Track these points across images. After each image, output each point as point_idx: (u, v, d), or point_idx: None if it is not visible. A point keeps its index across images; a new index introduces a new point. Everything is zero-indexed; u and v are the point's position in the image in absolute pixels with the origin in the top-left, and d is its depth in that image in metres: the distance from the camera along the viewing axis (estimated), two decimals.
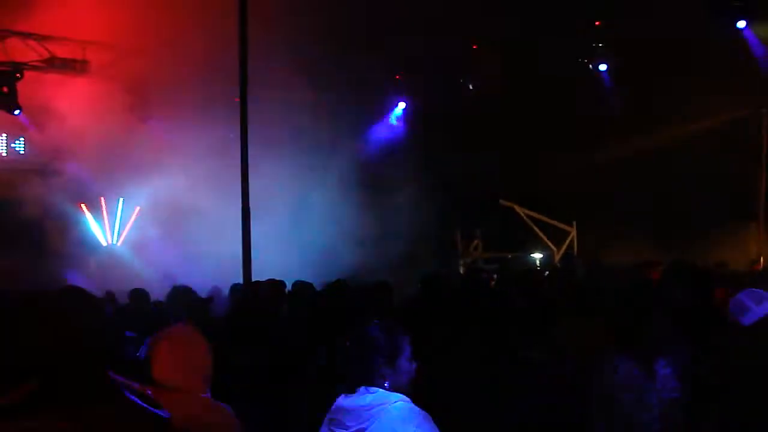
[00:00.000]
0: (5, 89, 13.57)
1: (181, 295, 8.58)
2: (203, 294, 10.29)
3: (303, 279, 9.60)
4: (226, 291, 10.42)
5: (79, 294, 3.52)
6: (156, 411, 2.80)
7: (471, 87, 13.82)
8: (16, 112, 14.16)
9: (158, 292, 10.36)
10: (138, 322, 7.30)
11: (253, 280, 9.50)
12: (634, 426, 4.27)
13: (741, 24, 14.77)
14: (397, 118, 17.35)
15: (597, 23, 14.71)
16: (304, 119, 15.44)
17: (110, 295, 10.86)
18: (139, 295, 9.84)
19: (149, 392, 2.83)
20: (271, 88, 12.92)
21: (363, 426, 3.56)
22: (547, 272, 14.54)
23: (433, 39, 14.51)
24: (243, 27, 9.26)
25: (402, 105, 15.97)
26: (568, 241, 21.60)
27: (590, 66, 12.82)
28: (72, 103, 15.51)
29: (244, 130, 9.15)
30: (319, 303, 8.02)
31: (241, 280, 9.76)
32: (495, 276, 14.57)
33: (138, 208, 18.44)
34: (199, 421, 3.96)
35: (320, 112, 15.48)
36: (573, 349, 6.52)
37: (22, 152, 18.05)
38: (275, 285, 9.06)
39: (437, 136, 16.86)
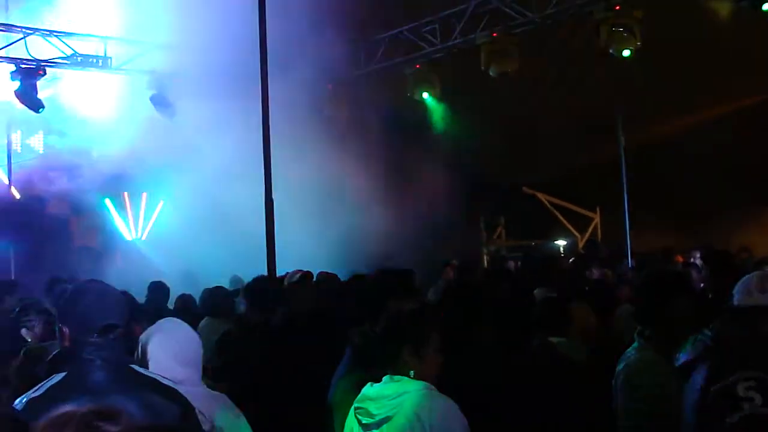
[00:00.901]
0: (29, 87, 13.64)
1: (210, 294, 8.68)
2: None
3: (326, 269, 9.62)
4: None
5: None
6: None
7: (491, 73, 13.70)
8: (40, 110, 14.25)
9: (182, 286, 10.43)
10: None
11: (278, 270, 9.51)
12: None
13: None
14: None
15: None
16: (325, 104, 15.42)
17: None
18: (157, 287, 9.87)
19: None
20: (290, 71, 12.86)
21: (388, 414, 3.57)
22: (571, 259, 14.50)
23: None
24: (262, 9, 9.27)
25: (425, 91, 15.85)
26: (591, 228, 21.52)
27: (610, 51, 12.71)
28: (94, 99, 15.60)
29: (266, 118, 9.15)
30: (344, 293, 8.01)
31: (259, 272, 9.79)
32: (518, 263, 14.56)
33: (161, 203, 18.53)
34: (199, 408, 4.01)
35: (340, 95, 15.44)
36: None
37: (45, 149, 18.25)
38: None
39: (461, 123, 16.79)
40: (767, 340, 3.72)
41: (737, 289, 3.96)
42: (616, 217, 14.83)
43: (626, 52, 12.45)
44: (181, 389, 4.04)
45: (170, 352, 4.07)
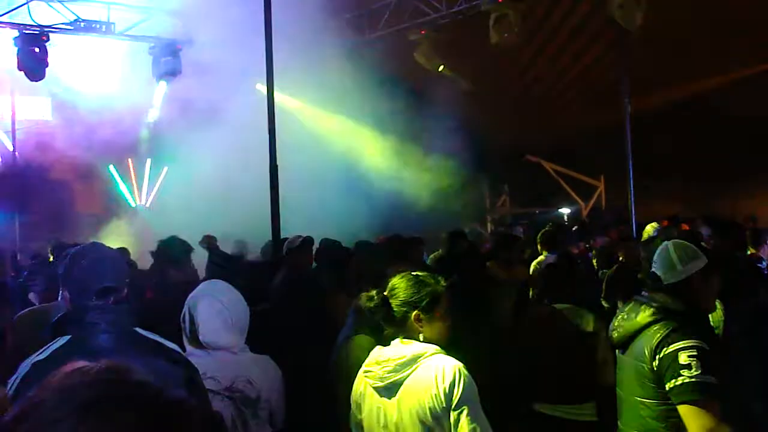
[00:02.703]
0: (33, 52, 13.56)
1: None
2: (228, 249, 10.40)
3: (329, 237, 9.62)
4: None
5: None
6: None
7: (493, 41, 13.61)
8: (42, 76, 14.19)
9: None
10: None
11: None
12: None
13: None
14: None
15: None
16: (330, 69, 15.36)
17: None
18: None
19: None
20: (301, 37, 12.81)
21: (398, 378, 3.57)
22: (575, 227, 14.52)
23: None
24: None
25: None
26: (595, 196, 21.53)
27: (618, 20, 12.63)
28: (99, 65, 15.55)
29: (270, 84, 9.11)
30: (348, 259, 8.04)
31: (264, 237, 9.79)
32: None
33: (166, 169, 18.54)
34: (246, 377, 4.02)
35: (345, 61, 15.37)
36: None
37: (48, 115, 18.25)
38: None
39: (465, 91, 16.73)
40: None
41: (659, 264, 4.02)
42: (620, 185, 14.81)
43: (634, 23, 12.35)
44: (228, 355, 4.05)
45: (218, 316, 4.07)
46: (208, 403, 3.45)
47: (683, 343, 3.66)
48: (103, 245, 3.56)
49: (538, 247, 9.23)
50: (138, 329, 3.27)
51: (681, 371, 3.60)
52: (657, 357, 3.74)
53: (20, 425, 1.25)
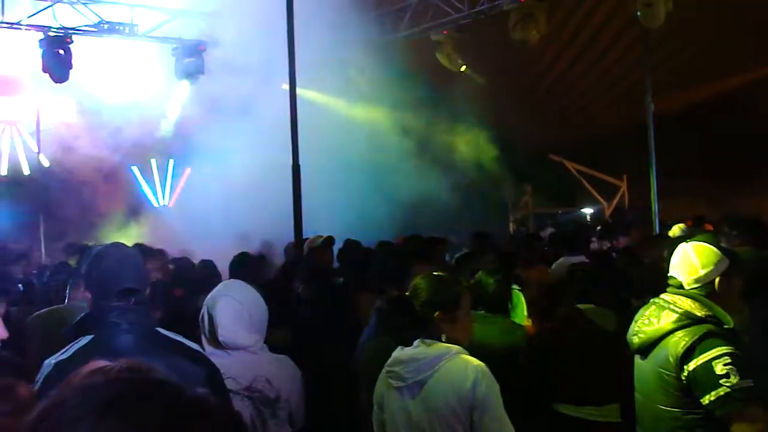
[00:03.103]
0: (58, 54, 13.65)
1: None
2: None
3: (352, 237, 9.64)
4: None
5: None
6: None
7: (516, 39, 13.57)
8: (67, 78, 14.28)
9: (207, 252, 10.48)
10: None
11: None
12: None
13: None
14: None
15: None
16: (354, 67, 15.35)
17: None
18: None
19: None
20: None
21: (421, 378, 3.57)
22: (598, 227, 14.44)
23: None
24: None
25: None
26: (618, 196, 21.42)
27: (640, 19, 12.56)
28: (122, 67, 15.64)
29: (293, 84, 9.14)
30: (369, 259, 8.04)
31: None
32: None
33: (188, 169, 18.61)
34: (265, 377, 4.02)
35: (367, 61, 15.35)
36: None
37: (75, 117, 18.38)
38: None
39: (487, 90, 16.68)
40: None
41: (679, 268, 3.94)
42: (643, 185, 14.72)
43: (657, 22, 12.28)
44: (247, 355, 4.06)
45: (237, 316, 4.08)
46: (229, 402, 3.47)
47: (715, 352, 3.58)
48: (125, 246, 3.58)
49: (559, 247, 9.21)
50: (159, 329, 3.29)
51: (720, 382, 3.51)
52: (686, 368, 3.65)
53: (42, 424, 1.26)
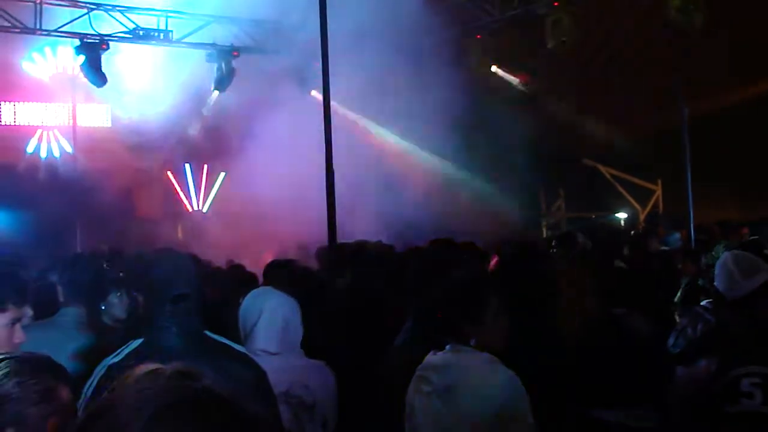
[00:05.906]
0: (94, 60, 13.83)
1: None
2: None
3: (383, 241, 9.65)
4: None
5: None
6: None
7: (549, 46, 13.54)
8: (103, 83, 14.45)
9: (242, 257, 10.55)
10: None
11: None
12: None
13: None
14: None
15: None
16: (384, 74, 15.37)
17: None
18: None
19: None
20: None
21: (448, 383, 3.57)
22: (632, 232, 14.36)
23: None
24: None
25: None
26: (653, 200, 21.24)
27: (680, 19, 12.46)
28: (157, 73, 15.80)
29: (326, 90, 9.16)
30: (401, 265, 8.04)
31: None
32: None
33: (223, 174, 18.74)
34: (302, 382, 4.05)
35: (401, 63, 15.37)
36: None
37: (109, 122, 18.62)
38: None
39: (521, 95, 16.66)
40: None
41: (720, 279, 3.87)
42: (678, 189, 14.61)
43: (694, 25, 12.19)
44: (284, 360, 4.07)
45: (272, 321, 4.10)
46: (276, 407, 3.49)
47: (745, 369, 3.37)
48: (177, 252, 3.66)
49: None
50: (208, 332, 3.35)
51: (740, 399, 3.30)
52: (714, 381, 3.52)
53: (94, 424, 1.31)
